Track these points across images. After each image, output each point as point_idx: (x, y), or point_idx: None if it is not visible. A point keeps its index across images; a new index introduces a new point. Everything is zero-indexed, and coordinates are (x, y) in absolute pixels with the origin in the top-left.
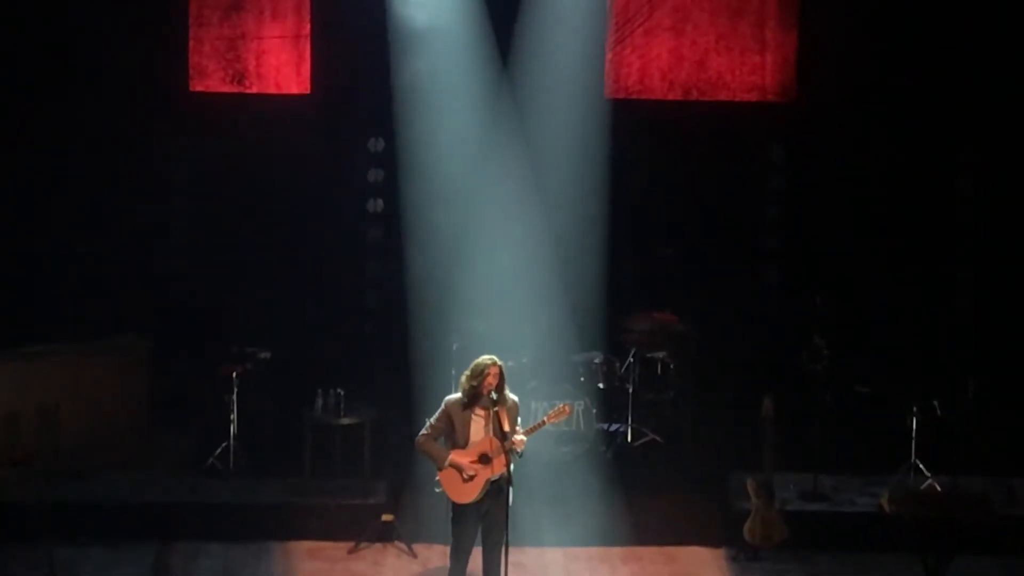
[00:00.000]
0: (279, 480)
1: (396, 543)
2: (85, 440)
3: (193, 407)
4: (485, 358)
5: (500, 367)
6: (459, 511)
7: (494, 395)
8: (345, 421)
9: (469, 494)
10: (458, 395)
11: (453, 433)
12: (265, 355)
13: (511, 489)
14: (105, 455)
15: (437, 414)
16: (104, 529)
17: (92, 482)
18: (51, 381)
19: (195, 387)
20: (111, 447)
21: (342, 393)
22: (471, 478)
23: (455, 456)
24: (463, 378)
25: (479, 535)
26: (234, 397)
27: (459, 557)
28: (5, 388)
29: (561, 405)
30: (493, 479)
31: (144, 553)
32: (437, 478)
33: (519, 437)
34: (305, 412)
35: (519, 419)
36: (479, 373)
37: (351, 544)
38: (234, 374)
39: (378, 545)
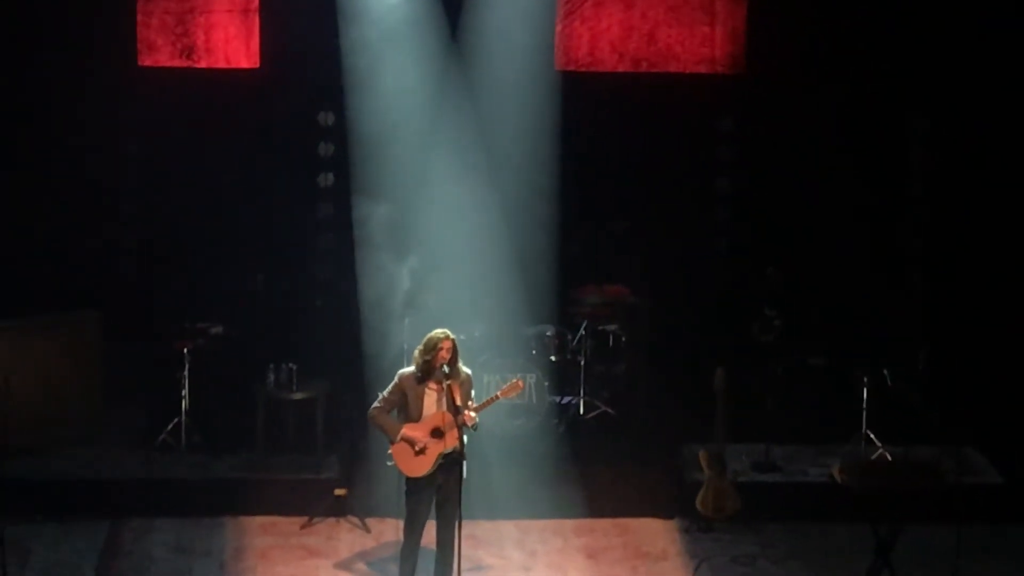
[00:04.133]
0: (232, 455)
1: (349, 518)
2: (36, 416)
3: (144, 383)
4: (438, 332)
5: (453, 341)
6: (412, 485)
7: (446, 369)
8: (297, 396)
9: (421, 468)
10: (411, 369)
11: (406, 407)
12: (216, 330)
13: (464, 463)
14: (56, 431)
15: (390, 387)
16: (56, 505)
17: (43, 458)
18: (2, 357)
19: (146, 363)
20: (62, 423)
21: (294, 368)
22: (422, 452)
23: (407, 430)
24: (416, 352)
25: (433, 509)
26: (186, 373)
27: (413, 531)
28: None
29: (514, 380)
30: (446, 453)
31: (96, 529)
32: (389, 451)
33: (471, 413)
34: (257, 387)
35: (472, 393)
36: (432, 347)
37: (304, 519)
38: (185, 349)
39: (331, 520)
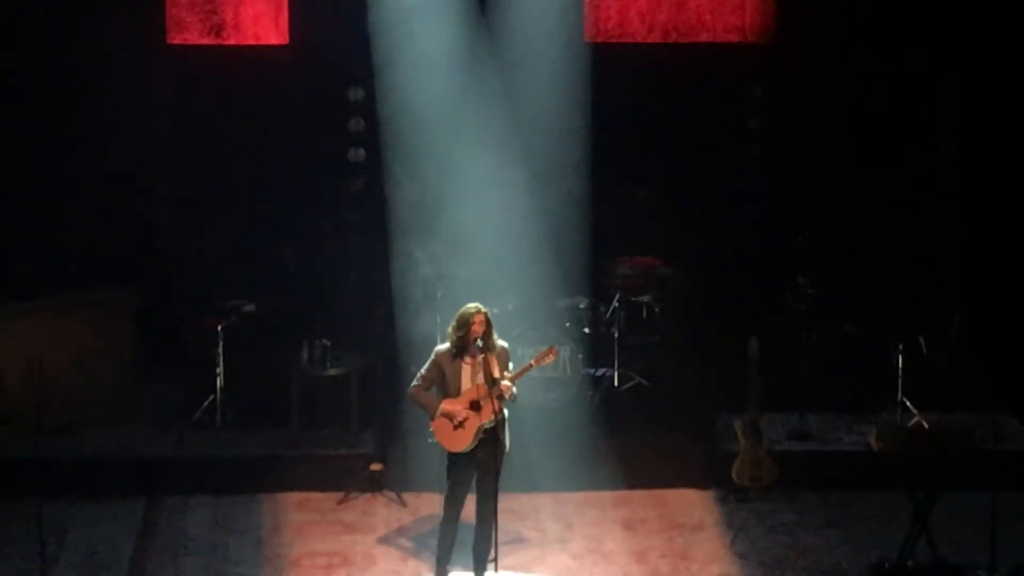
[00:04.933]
0: (267, 432)
1: (385, 492)
2: (70, 395)
3: (178, 361)
4: (470, 307)
5: (485, 314)
6: (453, 460)
7: (480, 343)
8: (331, 372)
9: (462, 442)
10: (447, 345)
11: (444, 383)
12: (249, 307)
13: (504, 436)
14: (90, 410)
15: (427, 364)
16: (92, 485)
17: (79, 438)
18: (34, 337)
19: (180, 341)
20: (96, 402)
21: (328, 344)
22: (461, 425)
23: (446, 404)
24: (449, 329)
25: (473, 483)
26: (219, 350)
27: (453, 505)
28: None
29: (547, 348)
30: (485, 426)
31: (132, 507)
32: (431, 428)
33: (506, 383)
34: (291, 364)
35: (510, 366)
36: (465, 323)
37: (340, 494)
38: (219, 327)
39: (367, 495)
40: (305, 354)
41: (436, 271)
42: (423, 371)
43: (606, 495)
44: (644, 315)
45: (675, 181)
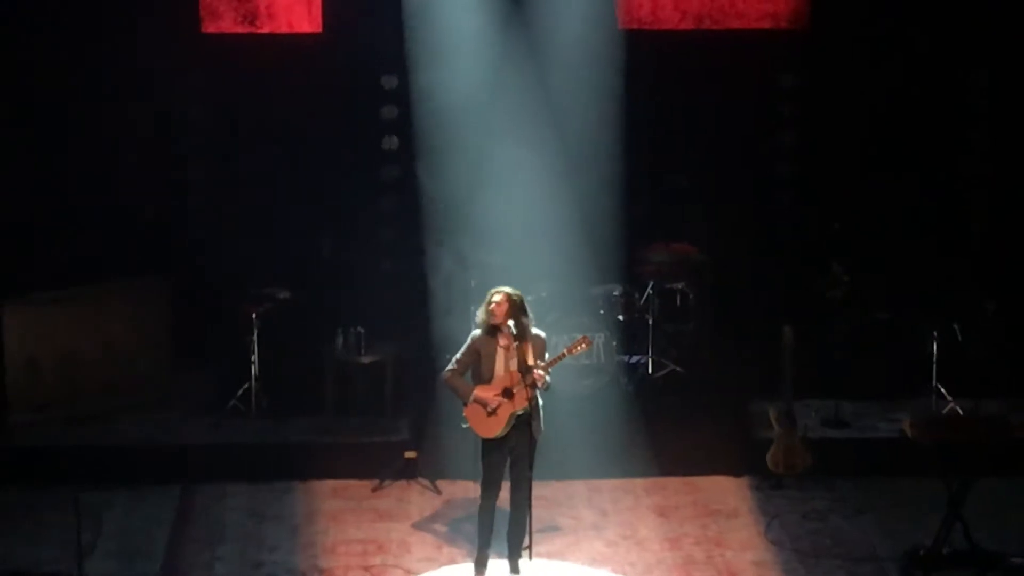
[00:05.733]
0: (301, 420)
1: (420, 480)
2: (106, 383)
3: (214, 348)
4: (496, 288)
5: (508, 295)
6: (486, 446)
7: (513, 328)
8: (366, 359)
9: (494, 429)
10: (480, 328)
11: (479, 368)
12: (284, 295)
13: (538, 423)
14: (126, 398)
15: (463, 349)
16: (128, 472)
17: (114, 425)
18: (71, 325)
19: (215, 328)
20: (132, 389)
21: (362, 331)
22: (494, 412)
23: (479, 391)
24: (479, 310)
25: (507, 469)
26: (254, 338)
27: (488, 492)
28: (25, 333)
29: (580, 337)
30: (518, 413)
31: (168, 495)
32: (464, 414)
33: (538, 371)
34: (326, 351)
35: (546, 354)
36: (487, 303)
37: (375, 482)
38: (254, 315)
39: (402, 482)
40: (340, 341)
41: (460, 265)
42: (459, 355)
43: (640, 482)
44: (678, 302)
45: (709, 168)
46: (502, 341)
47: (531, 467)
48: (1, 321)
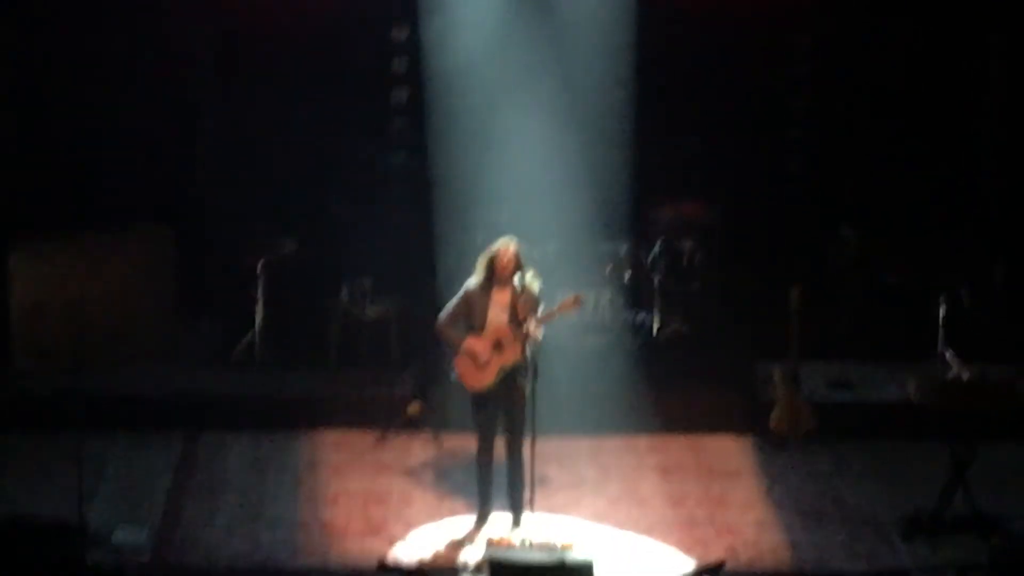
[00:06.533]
0: (305, 371)
1: (422, 433)
2: (111, 330)
3: (218, 298)
4: (501, 239)
5: (515, 250)
6: (477, 398)
7: (516, 280)
8: (371, 312)
9: (483, 381)
10: (476, 278)
11: (471, 317)
12: (291, 246)
13: (529, 377)
14: (131, 346)
15: (456, 299)
16: (131, 420)
17: (119, 373)
18: (76, 272)
19: (221, 278)
20: (136, 338)
21: (368, 284)
22: (484, 364)
23: (470, 341)
24: (478, 260)
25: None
26: (260, 288)
27: (484, 444)
28: (30, 279)
29: (572, 296)
30: (507, 367)
31: (171, 443)
32: (454, 364)
33: (531, 326)
34: (331, 303)
35: (541, 309)
36: (490, 254)
37: (377, 434)
38: (259, 265)
39: (404, 435)
40: (345, 294)
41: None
42: (451, 305)
43: (643, 440)
44: (685, 261)
45: (720, 128)
46: (495, 294)
47: (525, 421)
48: (8, 266)
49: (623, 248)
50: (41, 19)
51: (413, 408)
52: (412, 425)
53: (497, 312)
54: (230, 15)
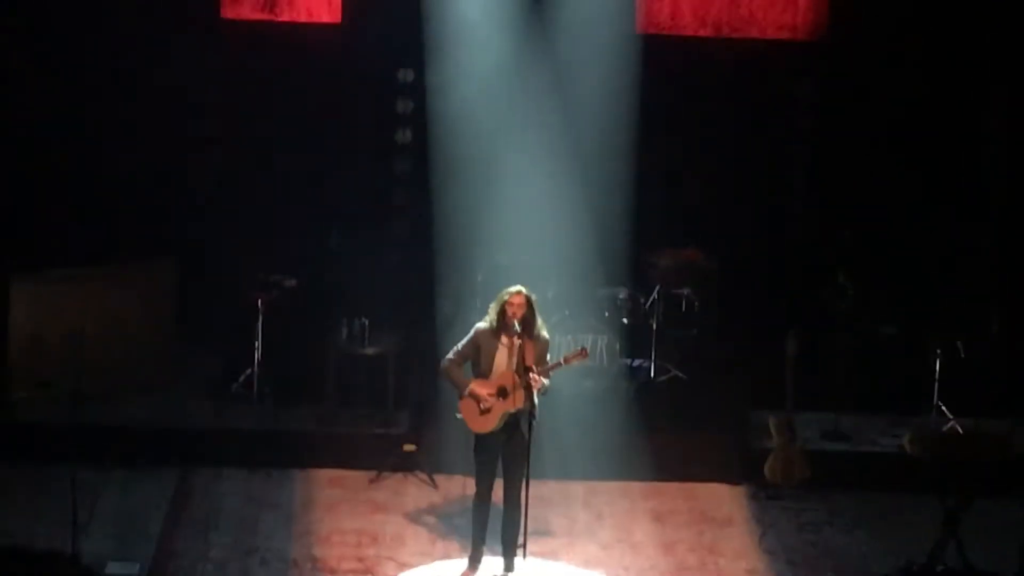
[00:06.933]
0: (302, 408)
1: (417, 473)
2: (110, 363)
3: (218, 333)
4: (512, 287)
5: (527, 297)
6: (479, 440)
7: (518, 326)
8: (369, 351)
9: (486, 425)
10: (487, 323)
11: (479, 361)
12: (291, 283)
13: (531, 424)
14: (129, 378)
15: (465, 340)
16: (127, 452)
17: (116, 405)
18: (76, 303)
19: (221, 313)
20: (135, 370)
21: (367, 322)
22: (488, 409)
23: (474, 386)
24: (491, 306)
25: (500, 465)
26: (259, 324)
27: (482, 487)
28: (31, 310)
29: (580, 348)
30: (511, 412)
31: (167, 477)
32: (459, 406)
33: (535, 375)
34: (330, 341)
35: (549, 357)
36: (501, 299)
37: (373, 473)
38: (260, 301)
39: (399, 475)
40: (344, 332)
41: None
42: (459, 346)
43: (637, 486)
44: (683, 308)
45: (720, 175)
46: (505, 339)
47: (526, 467)
48: (8, 297)
49: (621, 293)
50: (44, 52)
51: (408, 448)
52: (407, 465)
53: (504, 358)
54: (235, 53)
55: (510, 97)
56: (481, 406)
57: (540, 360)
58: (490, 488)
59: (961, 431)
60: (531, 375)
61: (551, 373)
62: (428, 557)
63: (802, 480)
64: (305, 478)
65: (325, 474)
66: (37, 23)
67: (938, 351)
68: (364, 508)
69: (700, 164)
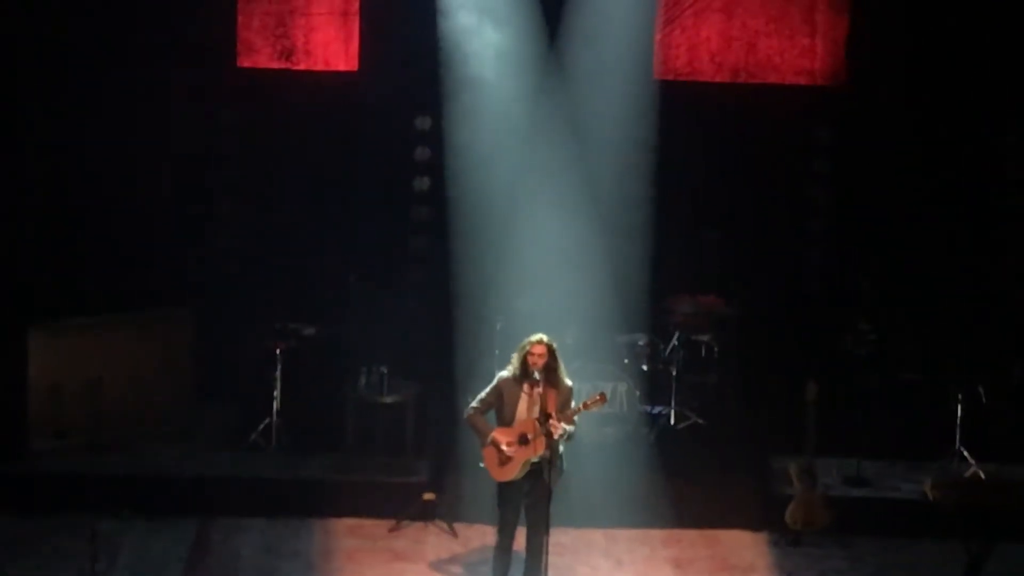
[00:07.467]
0: (321, 457)
1: (437, 522)
2: (128, 412)
3: (236, 382)
4: (534, 336)
5: (549, 346)
6: (501, 488)
7: (537, 375)
8: (388, 399)
9: (508, 473)
10: (509, 371)
11: (501, 410)
12: (309, 331)
13: (553, 472)
14: (148, 428)
15: (488, 389)
16: (146, 502)
17: (134, 455)
18: (95, 353)
19: (239, 362)
20: (154, 420)
21: (385, 371)
22: (509, 457)
23: (496, 434)
24: (513, 354)
25: (522, 513)
26: (278, 373)
27: (503, 534)
28: (49, 360)
29: (598, 394)
30: (533, 460)
31: (185, 527)
32: (482, 453)
33: (554, 421)
34: (348, 389)
35: (572, 404)
36: (523, 348)
37: (392, 522)
38: (278, 350)
39: (419, 524)
40: (363, 380)
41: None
42: (483, 395)
43: (658, 533)
44: (703, 354)
45: (739, 220)
46: (527, 387)
47: (547, 514)
48: (26, 346)
49: (641, 339)
50: (62, 102)
51: (428, 497)
52: (427, 514)
53: (526, 406)
54: (254, 100)
55: (528, 143)
56: (501, 456)
57: (563, 407)
58: (512, 537)
59: (983, 476)
60: (551, 422)
61: (573, 419)
62: None
63: (823, 526)
64: (324, 527)
65: (344, 523)
66: (56, 73)
67: (960, 396)
68: (384, 557)
69: (719, 210)
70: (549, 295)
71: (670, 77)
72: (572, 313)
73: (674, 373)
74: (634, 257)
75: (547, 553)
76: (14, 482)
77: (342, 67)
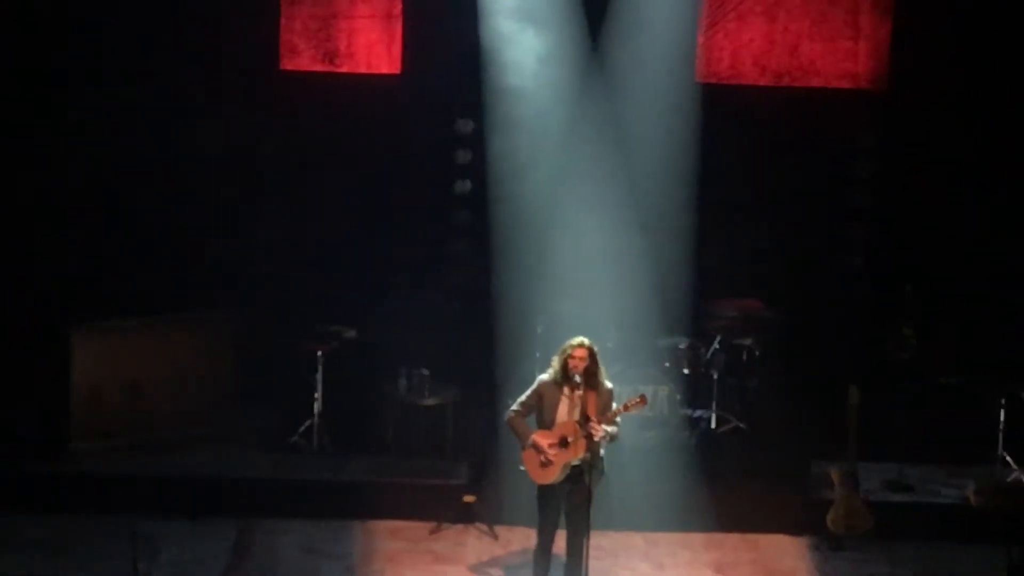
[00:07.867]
0: (362, 459)
1: (477, 524)
2: (169, 414)
3: (278, 384)
4: (575, 339)
5: (590, 349)
6: (541, 491)
7: (577, 378)
8: (429, 401)
9: (548, 476)
10: (549, 374)
11: (542, 413)
12: (350, 334)
13: (593, 474)
14: (189, 429)
15: (528, 392)
16: (187, 503)
17: (176, 456)
18: (137, 355)
19: (280, 364)
20: (195, 422)
21: (426, 373)
22: (550, 460)
23: (536, 437)
24: (554, 358)
25: (562, 516)
26: (319, 375)
27: (543, 537)
28: (91, 361)
29: (639, 395)
30: (573, 463)
31: (226, 528)
32: (521, 457)
33: (595, 424)
34: (389, 392)
35: (613, 406)
36: (564, 351)
37: (432, 524)
38: (319, 352)
39: (459, 526)
40: (404, 382)
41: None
42: (523, 398)
43: (699, 537)
44: (744, 358)
45: (781, 224)
46: (567, 390)
47: (588, 517)
48: (69, 348)
49: (682, 343)
50: (107, 105)
51: (468, 499)
52: (467, 516)
53: (566, 409)
54: (295, 105)
55: (569, 146)
56: (542, 456)
57: (604, 410)
58: (552, 539)
59: None
60: (591, 424)
61: (615, 420)
62: None
63: (865, 531)
64: (365, 529)
65: (385, 525)
66: (101, 76)
67: (1002, 401)
68: (425, 559)
69: (761, 214)
70: (590, 298)
71: (712, 80)
72: (613, 316)
73: (715, 377)
74: (676, 260)
75: (587, 556)
76: (56, 482)
77: (384, 70)
